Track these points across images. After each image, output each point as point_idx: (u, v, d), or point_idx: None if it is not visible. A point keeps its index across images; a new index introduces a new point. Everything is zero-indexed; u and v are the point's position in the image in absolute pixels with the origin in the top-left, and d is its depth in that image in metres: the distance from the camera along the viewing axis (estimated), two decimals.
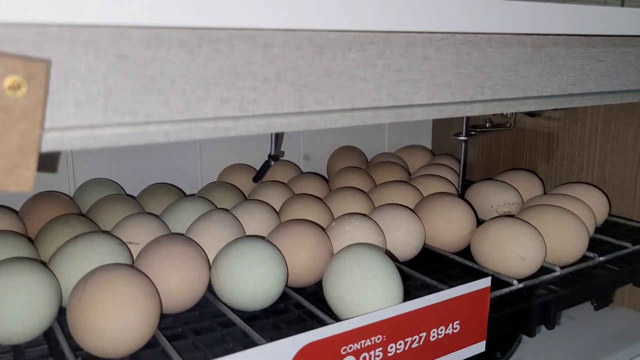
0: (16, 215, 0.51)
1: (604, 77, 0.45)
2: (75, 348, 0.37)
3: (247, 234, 0.49)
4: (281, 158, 0.71)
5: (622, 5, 1.12)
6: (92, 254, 0.41)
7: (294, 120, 0.31)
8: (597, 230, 0.59)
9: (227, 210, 0.51)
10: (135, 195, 0.60)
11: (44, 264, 0.41)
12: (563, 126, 0.70)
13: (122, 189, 0.62)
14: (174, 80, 0.27)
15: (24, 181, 0.23)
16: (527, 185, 0.64)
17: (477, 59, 0.38)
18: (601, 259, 0.53)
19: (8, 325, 0.36)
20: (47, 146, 0.24)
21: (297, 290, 0.47)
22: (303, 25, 0.29)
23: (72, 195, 0.58)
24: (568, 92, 0.43)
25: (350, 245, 0.44)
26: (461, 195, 0.64)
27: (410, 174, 0.71)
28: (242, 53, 0.29)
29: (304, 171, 0.72)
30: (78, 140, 0.25)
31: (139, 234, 0.45)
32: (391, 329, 0.37)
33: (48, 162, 0.57)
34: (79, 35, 0.24)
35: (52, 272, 0.39)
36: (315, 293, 0.47)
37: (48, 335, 0.39)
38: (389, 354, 0.38)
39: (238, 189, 0.61)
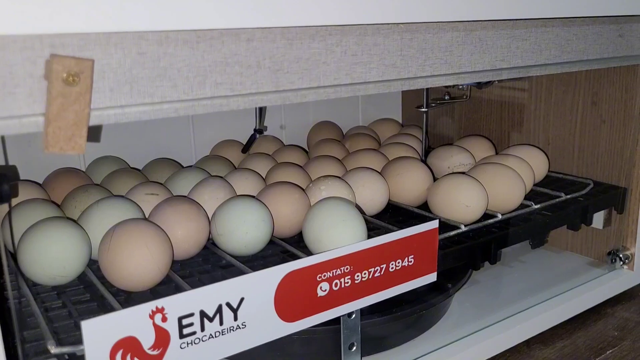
0: (40, 187, 0.60)
1: (528, 52, 0.55)
2: (107, 286, 0.46)
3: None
4: (265, 133, 0.80)
5: None
6: (113, 212, 0.50)
7: (272, 97, 0.41)
8: (539, 184, 0.70)
9: (222, 177, 0.60)
10: (140, 169, 0.69)
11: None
12: (512, 96, 0.80)
13: (127, 163, 0.70)
14: (180, 69, 0.36)
15: (78, 146, 0.32)
16: (481, 148, 0.74)
17: (418, 43, 0.47)
18: (537, 206, 0.63)
19: (52, 269, 0.45)
20: (92, 121, 0.33)
21: (282, 239, 0.56)
22: (276, 24, 0.39)
23: (85, 170, 0.67)
24: (497, 67, 0.53)
25: (324, 198, 0.53)
26: (423, 159, 0.74)
27: (380, 144, 0.81)
28: (230, 47, 0.38)
29: (286, 144, 0.81)
30: (112, 116, 0.35)
31: (150, 197, 0.55)
32: (357, 261, 0.47)
33: (93, 133, 0.65)
34: (111, 39, 0.33)
35: (82, 227, 0.49)
36: (298, 242, 0.56)
37: (81, 278, 0.48)
38: (356, 281, 0.47)
39: (229, 160, 0.70)
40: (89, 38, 0.33)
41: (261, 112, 0.71)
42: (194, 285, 0.47)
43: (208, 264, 0.52)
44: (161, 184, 0.60)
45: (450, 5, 0.47)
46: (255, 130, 0.70)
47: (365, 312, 0.50)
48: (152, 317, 0.38)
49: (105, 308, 0.44)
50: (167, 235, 0.48)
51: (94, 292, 0.47)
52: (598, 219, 0.70)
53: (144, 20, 0.34)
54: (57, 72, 0.31)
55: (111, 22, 0.33)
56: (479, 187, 0.59)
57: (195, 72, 0.37)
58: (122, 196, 0.55)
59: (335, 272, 0.46)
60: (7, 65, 0.31)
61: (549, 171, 0.72)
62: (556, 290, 0.67)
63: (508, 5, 0.51)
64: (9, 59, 0.31)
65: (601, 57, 0.61)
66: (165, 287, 0.47)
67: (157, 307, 0.38)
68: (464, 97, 0.82)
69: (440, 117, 0.92)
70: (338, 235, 0.49)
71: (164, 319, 0.38)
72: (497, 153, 0.76)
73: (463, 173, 0.63)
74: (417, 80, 0.48)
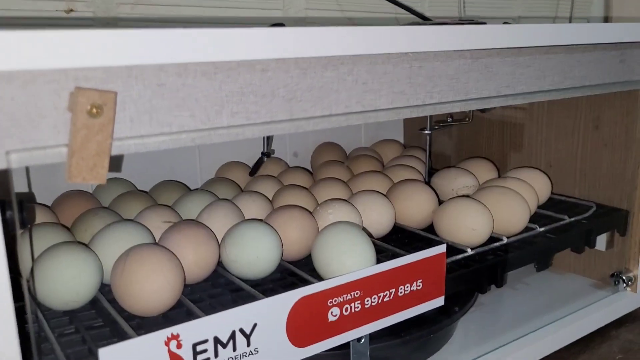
0: (50, 209, 0.60)
1: (532, 79, 0.56)
2: (119, 311, 0.46)
3: (247, 219, 0.59)
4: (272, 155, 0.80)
5: (570, 21, 1.23)
6: (124, 237, 0.50)
7: (286, 125, 0.41)
8: (542, 206, 0.70)
9: (230, 200, 0.61)
10: (147, 191, 0.69)
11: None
12: (514, 118, 0.81)
13: (134, 185, 0.71)
14: (198, 99, 0.37)
15: (100, 176, 0.33)
16: (483, 170, 0.75)
17: (426, 71, 0.48)
18: (541, 229, 0.63)
19: (65, 294, 0.46)
20: (113, 151, 0.34)
21: (291, 262, 0.57)
22: (290, 55, 0.39)
23: (92, 192, 0.68)
24: (502, 93, 0.54)
25: (332, 223, 0.54)
26: (427, 181, 0.75)
27: (383, 165, 0.82)
28: (246, 77, 0.39)
29: (291, 166, 0.81)
30: (133, 146, 0.35)
31: (159, 221, 0.55)
32: (367, 286, 0.48)
33: (114, 163, 0.66)
34: (132, 72, 0.34)
35: (94, 252, 0.49)
36: (306, 264, 0.57)
37: (93, 302, 0.49)
38: (366, 306, 0.48)
39: (235, 182, 0.71)
40: (111, 71, 0.33)
41: (269, 136, 0.72)
42: (205, 310, 0.47)
43: (218, 287, 0.53)
44: (169, 206, 0.60)
45: (457, 34, 0.48)
46: (263, 153, 0.71)
47: (373, 336, 0.51)
48: (167, 343, 0.38)
49: (118, 333, 0.45)
50: (179, 261, 0.48)
51: (106, 316, 0.47)
52: (601, 241, 0.71)
53: (163, 53, 0.34)
54: (82, 105, 0.32)
55: (132, 55, 0.33)
56: (485, 211, 0.59)
57: (213, 102, 0.38)
58: (132, 220, 0.55)
59: (346, 297, 0.47)
60: (33, 98, 0.31)
61: (551, 193, 0.73)
62: (560, 313, 0.67)
63: (513, 33, 0.52)
64: (35, 92, 0.31)
65: (603, 82, 0.62)
66: (177, 311, 0.48)
67: (172, 334, 0.38)
68: (466, 119, 0.83)
69: (442, 138, 0.93)
70: (348, 260, 0.50)
71: (179, 346, 0.39)
72: (499, 175, 0.77)
73: (468, 196, 0.64)
74: (425, 107, 0.49)
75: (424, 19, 0.92)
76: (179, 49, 0.35)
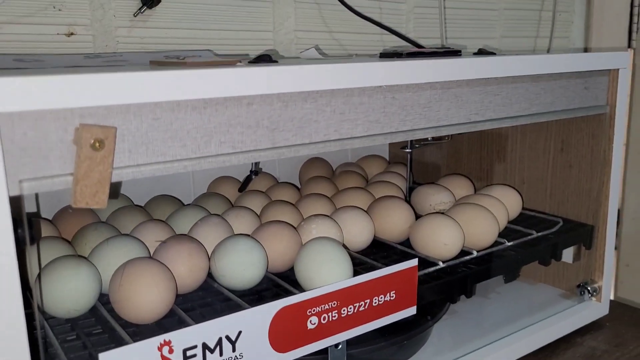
0: (51, 223, 0.65)
1: (500, 106, 0.60)
2: (116, 319, 0.51)
3: (236, 233, 0.63)
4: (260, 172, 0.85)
5: (550, 40, 1.28)
6: (122, 250, 0.55)
7: (269, 153, 0.46)
8: (512, 221, 0.75)
9: (219, 215, 0.65)
10: (143, 205, 0.74)
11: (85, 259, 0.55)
12: (491, 137, 0.86)
13: (131, 200, 0.75)
14: (189, 131, 0.42)
15: (101, 201, 0.37)
16: (460, 187, 0.80)
17: (399, 101, 0.52)
18: (509, 243, 0.68)
19: (66, 303, 0.50)
20: (113, 178, 0.38)
21: (276, 274, 0.61)
22: (273, 90, 0.44)
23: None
24: (472, 120, 0.58)
25: (314, 238, 0.58)
26: (407, 197, 0.79)
27: (367, 180, 0.86)
28: (233, 110, 0.43)
29: (279, 181, 0.86)
30: (130, 174, 0.40)
31: (154, 235, 0.60)
32: (343, 296, 0.52)
33: (113, 189, 0.71)
34: (130, 109, 0.39)
35: (93, 265, 0.53)
36: (288, 276, 0.61)
37: (92, 311, 0.53)
38: (342, 315, 0.52)
39: (226, 197, 0.76)
40: (112, 109, 0.38)
41: None
42: (195, 319, 0.51)
43: (208, 297, 0.57)
44: (164, 221, 0.65)
45: (428, 68, 0.53)
46: (251, 171, 0.75)
47: (350, 342, 0.55)
48: (160, 349, 0.43)
49: (116, 339, 0.49)
50: (172, 273, 0.53)
51: (105, 324, 0.51)
52: (568, 254, 0.76)
53: (159, 93, 0.39)
54: (86, 139, 0.36)
55: (131, 95, 0.38)
56: (457, 227, 0.64)
57: (202, 133, 0.42)
58: (129, 235, 0.59)
59: (324, 307, 0.51)
60: (43, 133, 0.36)
61: (523, 209, 0.77)
62: (530, 321, 0.72)
63: (481, 65, 0.57)
64: (45, 128, 0.36)
65: (568, 107, 0.67)
66: (170, 319, 0.52)
67: (165, 340, 0.43)
68: (446, 138, 0.87)
69: (424, 154, 0.97)
70: (327, 273, 0.54)
71: (171, 351, 0.43)
72: (475, 191, 0.81)
73: (442, 213, 0.69)
74: (398, 134, 0.53)
75: (407, 41, 0.97)
76: (172, 88, 0.39)
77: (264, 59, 0.54)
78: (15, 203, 0.37)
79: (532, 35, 1.29)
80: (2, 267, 0.35)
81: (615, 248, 1.41)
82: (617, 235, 1.46)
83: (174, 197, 0.76)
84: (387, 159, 1.00)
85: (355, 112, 0.50)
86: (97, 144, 0.37)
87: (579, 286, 0.76)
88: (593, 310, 0.75)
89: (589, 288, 0.75)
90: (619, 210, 1.42)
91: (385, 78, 0.50)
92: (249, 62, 0.54)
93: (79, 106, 0.36)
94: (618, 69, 0.70)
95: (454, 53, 0.69)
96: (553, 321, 0.72)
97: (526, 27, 1.28)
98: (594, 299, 0.76)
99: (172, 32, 0.81)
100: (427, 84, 0.54)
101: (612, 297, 0.82)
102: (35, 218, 0.65)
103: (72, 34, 0.74)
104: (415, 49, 0.68)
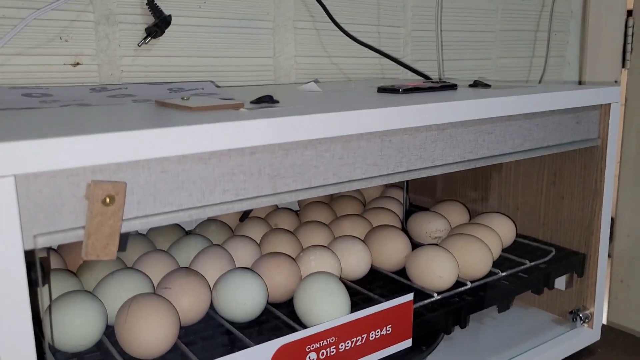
0: (57, 253, 0.66)
1: (494, 144, 0.62)
2: (120, 353, 0.52)
3: (237, 265, 0.65)
4: None
5: (540, 82, 1.31)
6: (126, 285, 0.57)
7: (270, 199, 0.48)
8: (507, 249, 0.77)
9: (220, 245, 0.67)
10: (145, 233, 0.75)
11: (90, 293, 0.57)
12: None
13: None
14: (194, 181, 0.43)
15: (111, 253, 0.39)
16: (456, 214, 0.82)
17: (396, 144, 0.54)
18: (503, 274, 0.70)
19: (73, 339, 0.52)
20: (122, 229, 0.40)
21: (275, 305, 0.63)
22: (275, 141, 0.46)
23: None
24: (466, 158, 0.60)
25: (314, 272, 0.60)
26: (404, 223, 0.81)
27: (365, 205, 0.88)
28: (236, 160, 0.45)
29: (279, 206, 0.88)
30: (138, 224, 0.41)
31: (157, 267, 0.61)
32: (341, 332, 0.54)
33: (121, 240, 0.72)
34: (139, 164, 0.40)
35: (99, 299, 0.55)
36: (288, 307, 0.63)
37: (98, 345, 0.55)
38: (340, 350, 0.54)
39: (226, 224, 0.77)
40: (122, 165, 0.40)
41: None
42: (197, 353, 0.53)
43: (209, 329, 0.59)
44: (166, 251, 0.67)
45: (424, 112, 0.55)
46: None
47: None
48: None
49: None
50: (176, 309, 0.54)
51: (110, 359, 0.53)
52: (560, 281, 0.78)
53: (167, 148, 0.41)
54: (97, 196, 0.38)
55: (139, 151, 0.40)
56: (451, 259, 0.66)
57: (207, 183, 0.44)
58: (134, 268, 0.61)
59: (323, 342, 0.53)
60: (56, 189, 0.38)
61: (516, 236, 0.79)
62: (524, 347, 0.74)
63: (477, 107, 0.59)
64: (58, 185, 0.38)
65: (561, 142, 0.69)
66: (173, 354, 0.54)
67: None
68: None
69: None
70: (325, 308, 0.56)
71: None
72: (470, 217, 0.83)
73: (437, 245, 0.71)
74: (394, 175, 0.55)
75: (403, 67, 0.99)
76: (179, 143, 0.41)
77: (265, 99, 0.56)
78: (30, 254, 0.38)
79: (528, 55, 1.31)
80: (18, 315, 0.37)
81: (609, 256, 1.42)
82: (611, 251, 1.48)
83: (176, 225, 0.77)
84: None
85: (353, 156, 0.52)
86: (108, 200, 0.38)
87: (571, 312, 0.78)
88: (585, 336, 0.77)
89: (580, 315, 0.77)
90: (612, 225, 1.44)
91: (383, 124, 0.52)
92: (251, 102, 0.56)
93: (91, 164, 0.38)
94: (610, 104, 0.72)
95: (450, 87, 0.71)
96: (546, 347, 0.74)
97: (522, 48, 1.30)
98: (585, 325, 0.78)
99: (175, 60, 0.82)
100: (423, 126, 0.56)
101: (604, 321, 0.84)
102: (43, 257, 0.67)
103: (78, 64, 0.76)
104: (412, 84, 0.70)
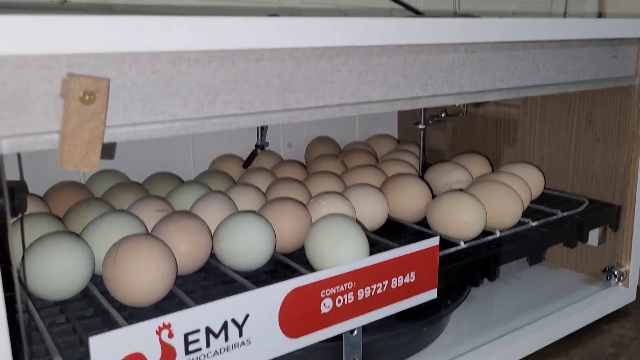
0: (42, 200, 0.60)
1: (526, 73, 0.56)
2: (110, 301, 0.46)
3: (240, 210, 0.59)
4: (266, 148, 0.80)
5: (564, 16, 1.23)
6: (116, 227, 0.50)
7: (280, 116, 0.41)
8: (535, 201, 0.70)
9: (223, 192, 0.61)
10: (140, 183, 0.69)
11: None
12: (508, 113, 0.81)
13: (127, 177, 0.71)
14: (191, 88, 0.37)
15: (92, 164, 0.33)
16: (477, 165, 0.75)
17: (421, 63, 0.48)
18: (534, 223, 0.64)
19: (56, 284, 0.45)
20: (105, 139, 0.34)
21: (284, 254, 0.56)
22: (284, 45, 0.39)
23: (85, 183, 0.67)
24: (497, 87, 0.54)
25: (326, 215, 0.54)
26: (421, 176, 0.75)
27: (377, 160, 0.82)
28: (240, 66, 0.39)
29: (285, 159, 0.81)
30: (125, 134, 0.35)
31: (152, 211, 0.55)
32: (360, 277, 0.48)
33: (106, 151, 0.66)
34: (125, 59, 0.34)
35: (86, 242, 0.49)
36: (299, 257, 0.57)
37: (84, 293, 0.48)
38: (359, 298, 0.48)
39: (229, 175, 0.71)
40: (104, 58, 0.33)
41: (263, 127, 0.72)
42: (197, 301, 0.47)
43: (210, 279, 0.52)
44: (162, 198, 0.60)
45: (451, 28, 0.48)
46: (256, 145, 0.71)
47: (365, 328, 0.50)
48: (158, 333, 0.38)
49: (109, 323, 0.44)
50: (172, 251, 0.48)
51: (97, 307, 0.47)
52: (593, 236, 0.71)
53: (157, 41, 0.34)
54: (74, 91, 0.31)
55: (126, 42, 0.33)
56: (478, 205, 0.59)
57: (206, 91, 0.38)
58: (125, 211, 0.55)
59: (339, 288, 0.47)
60: (23, 84, 0.31)
61: (544, 188, 0.73)
62: (553, 308, 0.68)
63: (507, 27, 0.52)
64: (26, 77, 0.31)
65: (596, 77, 0.63)
66: (169, 302, 0.48)
67: (164, 324, 0.38)
68: (460, 114, 0.83)
69: (436, 133, 0.93)
70: (341, 251, 0.50)
71: (171, 335, 0.39)
72: (492, 170, 0.77)
73: (461, 190, 0.64)
74: (419, 99, 0.49)
75: (417, 14, 0.92)
76: (173, 36, 0.34)
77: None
78: None
79: (545, 11, 1.24)
80: None
81: None
82: None
83: (174, 175, 0.71)
84: (397, 137, 0.95)
85: (373, 73, 0.45)
86: (88, 97, 0.32)
87: (604, 270, 0.72)
88: (620, 296, 0.71)
89: (615, 272, 0.71)
90: None
91: (406, 37, 0.45)
92: None
93: (67, 53, 0.32)
94: None
95: (470, 16, 0.64)
96: (578, 308, 0.68)
97: (539, 3, 1.23)
98: (620, 284, 0.71)
99: None
100: (450, 45, 0.49)
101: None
102: (21, 192, 0.60)
103: (65, 1, 0.69)
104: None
